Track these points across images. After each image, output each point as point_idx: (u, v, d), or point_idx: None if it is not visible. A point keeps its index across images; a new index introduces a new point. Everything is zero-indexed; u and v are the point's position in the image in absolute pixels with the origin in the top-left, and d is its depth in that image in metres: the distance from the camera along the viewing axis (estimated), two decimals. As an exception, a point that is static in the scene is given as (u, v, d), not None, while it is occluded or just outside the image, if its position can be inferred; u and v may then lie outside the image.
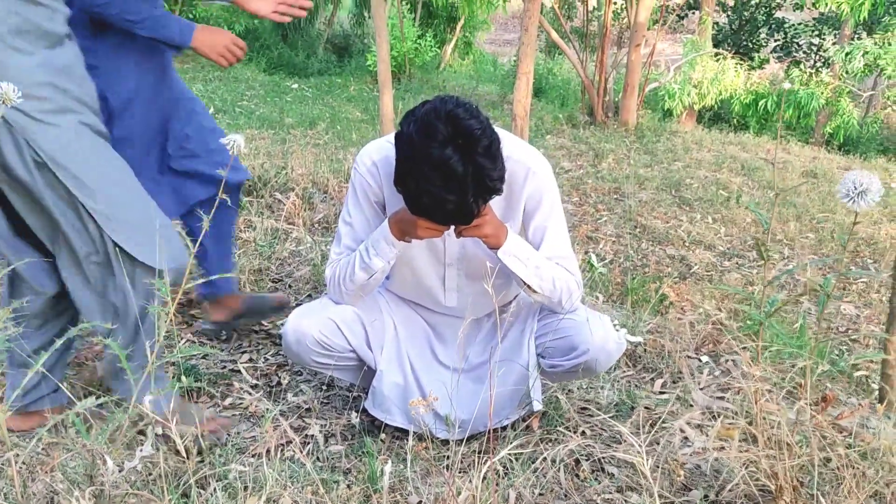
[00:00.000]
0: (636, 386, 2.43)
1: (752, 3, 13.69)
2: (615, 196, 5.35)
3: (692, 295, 3.45)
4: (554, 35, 7.72)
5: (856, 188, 1.28)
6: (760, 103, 9.47)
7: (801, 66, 12.79)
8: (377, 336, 2.05)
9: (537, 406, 1.98)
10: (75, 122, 1.62)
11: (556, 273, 1.91)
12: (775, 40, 14.07)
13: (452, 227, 1.80)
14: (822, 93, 9.17)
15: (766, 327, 1.59)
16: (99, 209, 1.64)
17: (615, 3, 9.06)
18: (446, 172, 1.60)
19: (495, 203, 1.85)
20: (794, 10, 14.35)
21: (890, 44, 9.04)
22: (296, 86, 9.59)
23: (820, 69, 11.36)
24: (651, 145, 7.19)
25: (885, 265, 4.41)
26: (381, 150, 1.90)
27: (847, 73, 9.11)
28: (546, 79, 12.09)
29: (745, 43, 13.90)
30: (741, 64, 9.45)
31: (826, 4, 9.24)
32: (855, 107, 9.65)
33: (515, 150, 1.87)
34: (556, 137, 7.28)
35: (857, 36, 12.72)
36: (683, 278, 3.81)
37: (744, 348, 1.89)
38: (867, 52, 8.96)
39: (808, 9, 12.51)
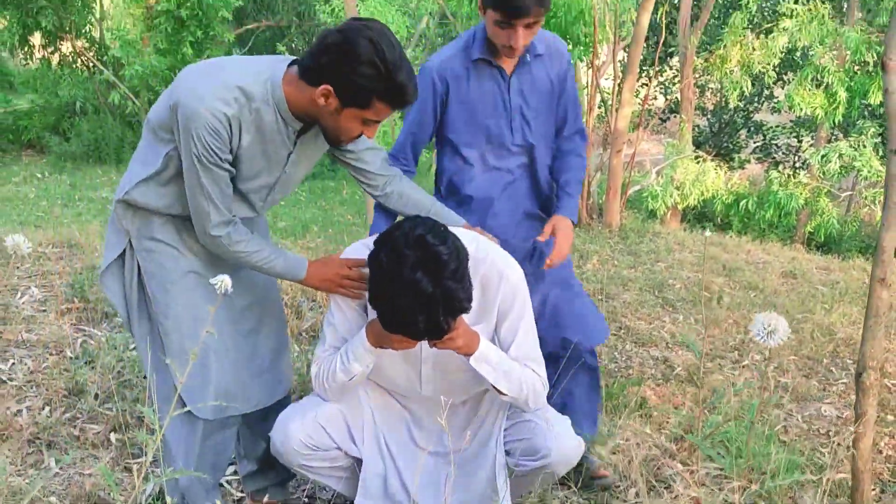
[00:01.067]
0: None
1: (731, 107, 14.22)
2: (600, 297, 5.45)
3: (672, 398, 3.51)
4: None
5: (765, 328, 1.41)
6: (742, 203, 9.74)
7: (781, 167, 13.20)
8: (358, 428, 2.10)
9: None
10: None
11: (524, 376, 1.98)
12: (755, 142, 14.55)
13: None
14: (802, 193, 9.44)
15: (701, 449, 1.65)
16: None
17: (599, 109, 9.43)
18: (416, 294, 1.69)
19: (476, 302, 1.91)
20: (772, 113, 14.91)
21: (864, 146, 9.38)
22: (289, 188, 9.84)
23: (798, 170, 11.73)
24: (634, 246, 7.36)
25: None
26: (359, 253, 2.00)
27: (824, 174, 9.42)
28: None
29: (725, 144, 14.37)
30: (721, 166, 9.77)
31: (801, 108, 9.65)
32: (835, 206, 9.92)
33: (490, 253, 1.98)
34: (543, 239, 7.45)
35: (833, 137, 13.20)
36: (666, 380, 3.87)
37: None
38: (842, 155, 9.29)
39: (785, 111, 13.00)
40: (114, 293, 2.05)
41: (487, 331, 2.01)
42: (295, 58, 1.88)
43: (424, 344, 2.00)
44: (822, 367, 4.43)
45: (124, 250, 2.02)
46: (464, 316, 1.91)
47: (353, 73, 1.72)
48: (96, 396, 2.82)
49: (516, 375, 1.97)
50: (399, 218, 2.21)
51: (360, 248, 2.02)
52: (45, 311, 3.53)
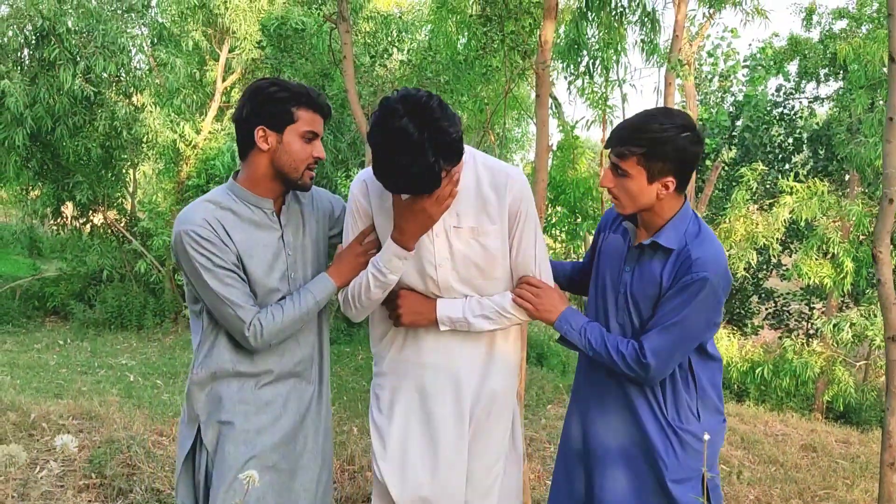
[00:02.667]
0: None
1: (739, 274, 14.46)
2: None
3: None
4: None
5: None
6: (757, 371, 9.70)
7: (794, 333, 13.21)
8: None
9: None
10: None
11: (493, 307, 2.20)
12: (766, 308, 14.63)
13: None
14: (817, 362, 9.42)
15: None
16: None
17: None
18: (405, 139, 1.85)
19: (485, 205, 2.11)
20: (782, 280, 15.09)
21: (875, 315, 9.44)
22: (305, 355, 9.92)
23: (812, 338, 11.74)
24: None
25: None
26: (368, 172, 2.17)
27: (837, 343, 9.43)
28: (546, 344, 12.43)
29: (737, 311, 14.45)
30: (734, 332, 9.82)
31: (809, 278, 9.82)
32: (851, 375, 9.85)
33: (496, 161, 2.19)
34: (557, 407, 7.42)
35: (844, 305, 13.29)
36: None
37: None
38: (854, 324, 9.34)
39: (795, 279, 13.21)
40: (184, 497, 2.11)
41: (501, 232, 2.14)
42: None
43: (438, 248, 2.12)
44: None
45: (194, 446, 2.09)
46: (481, 215, 2.10)
47: (266, 100, 2.01)
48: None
49: (497, 309, 2.18)
50: None
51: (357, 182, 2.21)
52: (62, 486, 3.55)
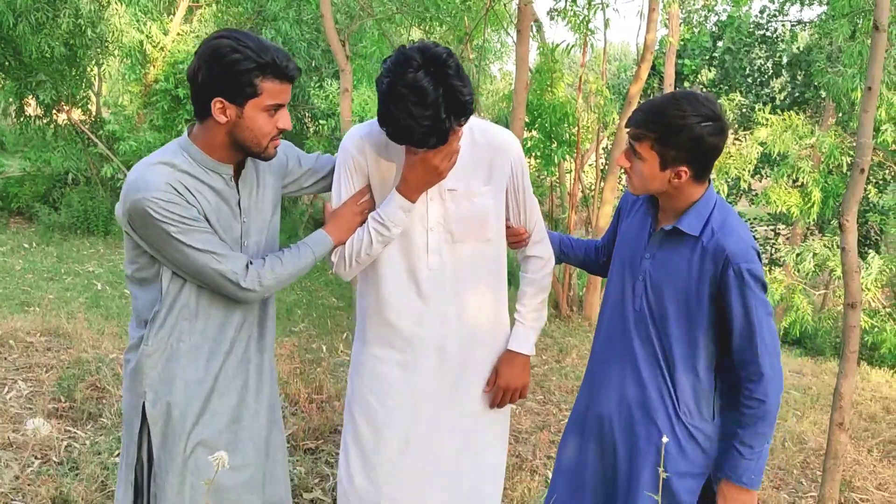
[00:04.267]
0: None
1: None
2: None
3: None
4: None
5: None
6: (719, 296, 9.91)
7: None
8: None
9: None
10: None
11: (541, 298, 2.30)
12: (733, 233, 14.82)
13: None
14: (777, 290, 9.66)
15: None
16: None
17: (581, 193, 9.68)
18: (420, 93, 1.83)
19: (481, 166, 2.14)
20: (750, 205, 15.29)
21: (838, 246, 9.65)
22: (275, 267, 9.94)
23: (774, 264, 12.00)
24: (614, 341, 7.48)
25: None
26: (365, 127, 2.15)
27: (798, 272, 9.66)
28: (516, 262, 12.56)
29: (705, 235, 14.64)
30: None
31: (777, 206, 9.96)
32: (810, 303, 10.13)
33: (488, 123, 2.21)
34: (540, 353, 7.58)
35: (809, 233, 13.55)
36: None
37: None
38: (816, 254, 9.56)
39: (763, 205, 13.38)
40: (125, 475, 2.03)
41: (495, 193, 2.17)
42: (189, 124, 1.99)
43: (432, 211, 2.13)
44: (792, 478, 4.51)
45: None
46: (477, 176, 2.14)
47: (227, 68, 1.80)
48: (80, 507, 2.87)
49: (537, 301, 2.29)
50: None
51: (367, 123, 2.19)
52: (31, 408, 3.58)
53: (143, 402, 1.95)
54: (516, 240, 2.29)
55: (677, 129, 1.91)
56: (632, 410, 2.15)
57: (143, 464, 1.97)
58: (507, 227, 2.28)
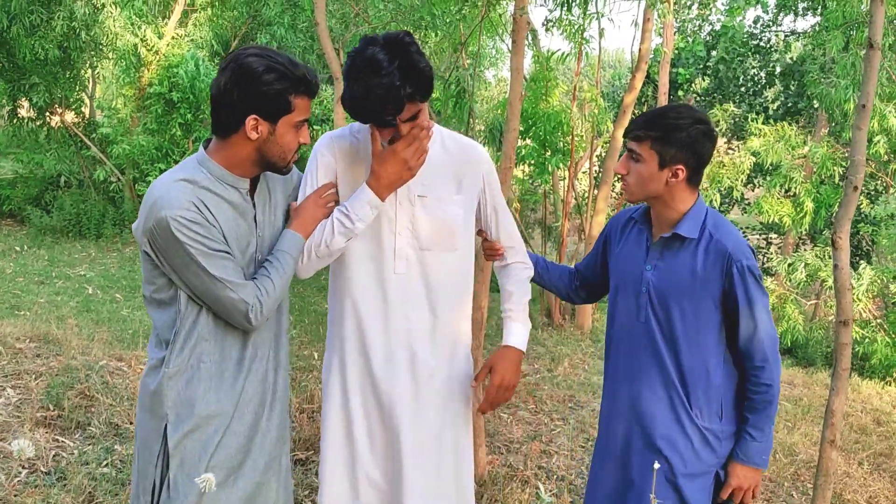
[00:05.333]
0: None
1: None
2: (570, 405, 5.53)
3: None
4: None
5: None
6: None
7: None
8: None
9: None
10: None
11: (524, 292, 2.33)
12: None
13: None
14: (769, 299, 9.67)
15: None
16: None
17: (574, 200, 9.70)
18: (376, 64, 1.89)
19: (452, 175, 2.18)
20: (743, 214, 15.32)
21: (829, 256, 9.68)
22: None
23: (766, 273, 12.01)
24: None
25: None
26: (339, 131, 2.19)
27: (790, 281, 9.67)
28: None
29: (698, 243, 14.66)
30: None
31: (770, 216, 9.98)
32: (801, 313, 10.15)
33: (459, 135, 2.25)
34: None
35: (801, 242, 13.58)
36: None
37: None
38: (808, 265, 9.58)
39: (755, 214, 13.42)
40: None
41: (466, 203, 2.20)
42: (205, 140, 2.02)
43: (399, 216, 2.14)
44: (783, 490, 4.51)
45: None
46: (448, 185, 2.17)
47: (262, 86, 1.84)
48: (66, 517, 2.85)
49: (525, 300, 2.32)
50: None
51: (340, 129, 2.22)
52: (20, 417, 3.56)
53: (166, 425, 1.93)
54: (492, 253, 2.33)
55: (676, 128, 2.08)
56: (644, 423, 2.20)
57: (155, 487, 1.95)
58: (484, 241, 2.33)
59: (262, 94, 1.84)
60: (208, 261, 1.84)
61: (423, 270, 2.18)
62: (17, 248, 10.59)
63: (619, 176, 2.22)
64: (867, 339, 9.09)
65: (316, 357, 5.79)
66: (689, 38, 15.31)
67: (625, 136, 2.21)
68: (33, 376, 4.06)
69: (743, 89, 15.47)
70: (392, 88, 1.89)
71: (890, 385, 8.32)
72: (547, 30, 6.88)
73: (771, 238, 14.29)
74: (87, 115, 13.30)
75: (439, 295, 2.21)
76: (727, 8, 15.06)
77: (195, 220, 1.83)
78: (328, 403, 2.23)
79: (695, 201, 2.18)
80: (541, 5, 7.05)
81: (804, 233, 11.87)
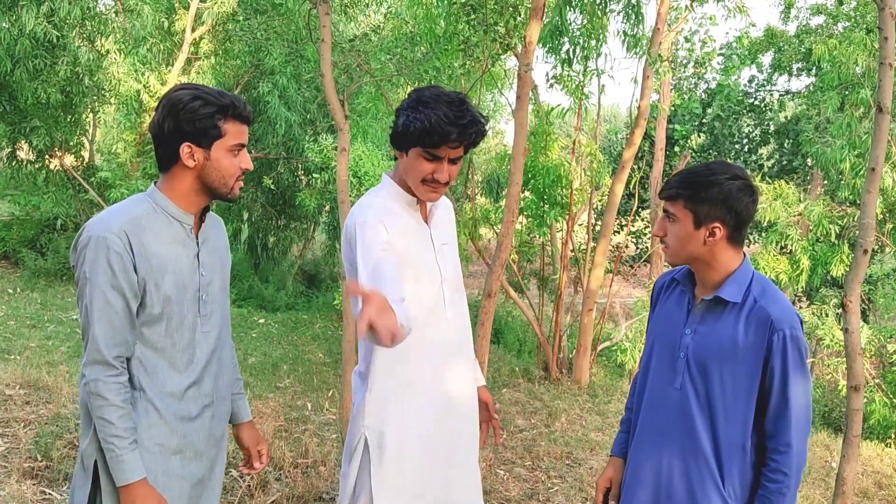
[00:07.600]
0: None
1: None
2: (567, 462, 5.43)
3: None
4: (512, 293, 8.17)
5: None
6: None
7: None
8: None
9: None
10: None
11: None
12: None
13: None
14: (767, 356, 9.60)
15: None
16: None
17: (571, 253, 9.69)
18: (461, 98, 2.04)
19: (450, 221, 2.34)
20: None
21: (826, 315, 9.67)
22: (263, 321, 9.84)
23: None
24: (603, 406, 7.39)
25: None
26: (366, 202, 2.18)
27: (788, 340, 9.62)
28: (505, 321, 12.52)
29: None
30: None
31: (766, 273, 9.98)
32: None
33: None
34: (512, 391, 7.47)
35: (797, 300, 13.58)
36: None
37: None
38: (805, 323, 9.55)
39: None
40: None
41: (454, 251, 2.33)
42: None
43: (441, 264, 2.22)
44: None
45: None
46: (450, 230, 2.33)
47: (191, 115, 1.90)
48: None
49: None
50: None
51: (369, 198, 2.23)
52: (6, 467, 3.46)
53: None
54: None
55: (708, 184, 2.00)
56: (673, 498, 2.09)
57: None
58: None
59: (190, 120, 1.91)
60: (94, 288, 1.84)
61: (457, 311, 2.29)
62: (10, 291, 10.51)
63: (659, 238, 2.14)
64: (865, 400, 9.02)
65: (309, 408, 5.70)
66: (685, 95, 15.53)
67: (660, 196, 2.14)
68: (22, 424, 3.97)
69: (738, 146, 15.65)
70: (478, 117, 2.04)
71: (890, 447, 8.22)
72: (550, 87, 6.96)
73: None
74: (87, 159, 13.32)
75: (467, 335, 2.34)
76: (722, 67, 15.34)
77: (118, 252, 1.85)
78: (381, 453, 2.15)
79: (740, 263, 2.05)
80: (545, 62, 7.15)
81: (800, 290, 11.88)
